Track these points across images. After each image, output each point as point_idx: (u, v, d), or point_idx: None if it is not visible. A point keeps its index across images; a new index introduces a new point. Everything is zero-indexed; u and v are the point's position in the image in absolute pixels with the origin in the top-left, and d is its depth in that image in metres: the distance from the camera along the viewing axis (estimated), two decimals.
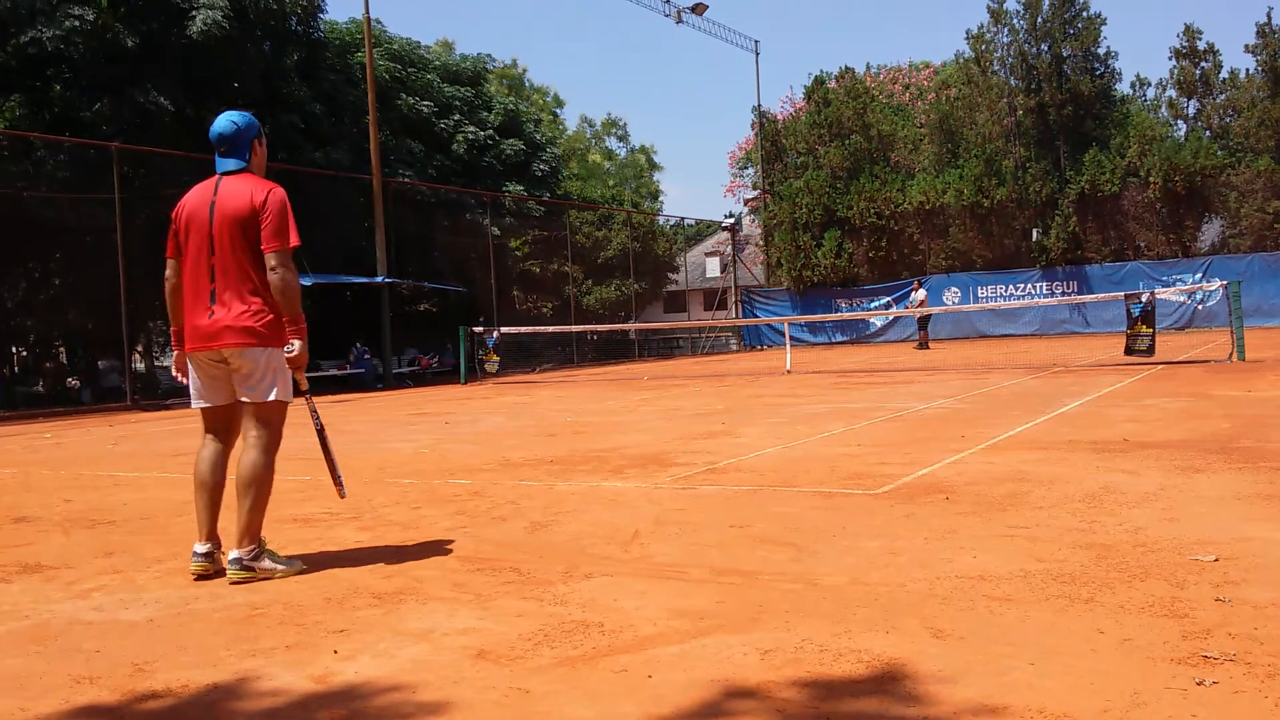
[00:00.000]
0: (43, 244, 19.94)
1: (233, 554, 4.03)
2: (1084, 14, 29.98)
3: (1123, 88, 31.66)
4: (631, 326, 30.70)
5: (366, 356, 21.88)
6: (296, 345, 4.14)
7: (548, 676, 2.75)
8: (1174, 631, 2.87)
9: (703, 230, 51.06)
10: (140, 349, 24.47)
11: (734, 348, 33.89)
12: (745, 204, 47.61)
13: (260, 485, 4.08)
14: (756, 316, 33.68)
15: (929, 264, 31.68)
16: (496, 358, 21.02)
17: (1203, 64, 30.18)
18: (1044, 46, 30.10)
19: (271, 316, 4.11)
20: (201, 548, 4.13)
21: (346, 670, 2.89)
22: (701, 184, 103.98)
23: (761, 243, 37.09)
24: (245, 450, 4.14)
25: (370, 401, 16.44)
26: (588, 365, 27.66)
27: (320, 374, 21.31)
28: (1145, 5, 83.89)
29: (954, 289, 30.95)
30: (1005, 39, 30.74)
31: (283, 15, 21.72)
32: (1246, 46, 29.03)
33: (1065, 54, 29.94)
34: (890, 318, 31.10)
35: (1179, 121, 30.86)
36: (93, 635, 3.35)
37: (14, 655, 3.16)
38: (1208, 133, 29.80)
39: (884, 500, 5.07)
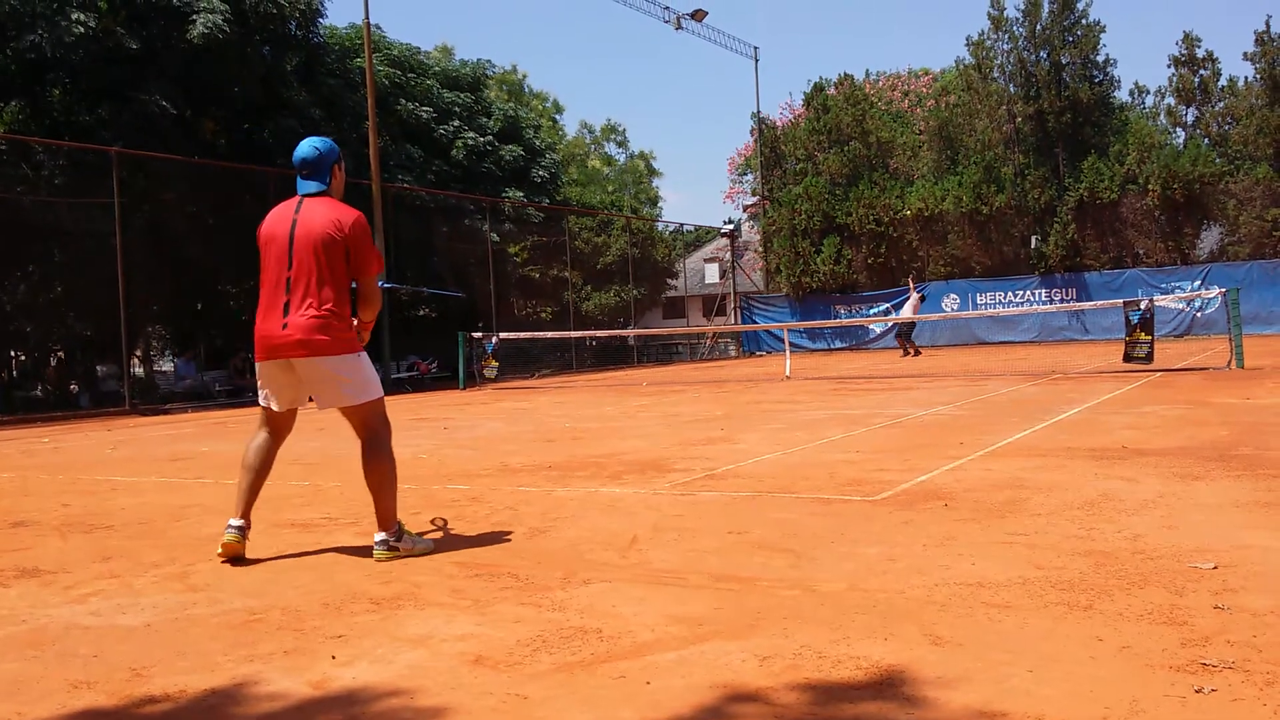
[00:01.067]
0: (41, 248, 19.93)
1: (378, 536, 4.39)
2: (1083, 21, 30.02)
3: (1122, 95, 31.79)
4: (631, 332, 30.70)
5: None
6: (366, 336, 4.61)
7: (545, 682, 2.74)
8: (1173, 639, 2.87)
9: (702, 236, 51.08)
10: (139, 354, 24.45)
11: (733, 354, 33.89)
12: (744, 210, 47.67)
13: (384, 480, 4.44)
14: (755, 323, 33.70)
15: (928, 271, 31.68)
16: (495, 363, 21.00)
17: (1201, 72, 30.24)
18: (1043, 54, 30.15)
19: (340, 327, 4.36)
20: (236, 521, 4.43)
21: (344, 676, 2.88)
22: (701, 190, 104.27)
23: (760, 249, 37.10)
24: (362, 452, 4.52)
25: None
26: (586, 371, 27.65)
27: None
28: (1144, 13, 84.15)
29: (953, 295, 30.96)
30: (1005, 46, 30.80)
31: (282, 19, 21.73)
32: (1245, 54, 29.08)
33: (1064, 61, 29.98)
34: (889, 323, 31.11)
35: (1178, 129, 30.93)
36: (90, 640, 3.34)
37: (11, 660, 3.16)
38: (1206, 140, 29.85)
39: (882, 507, 5.07)
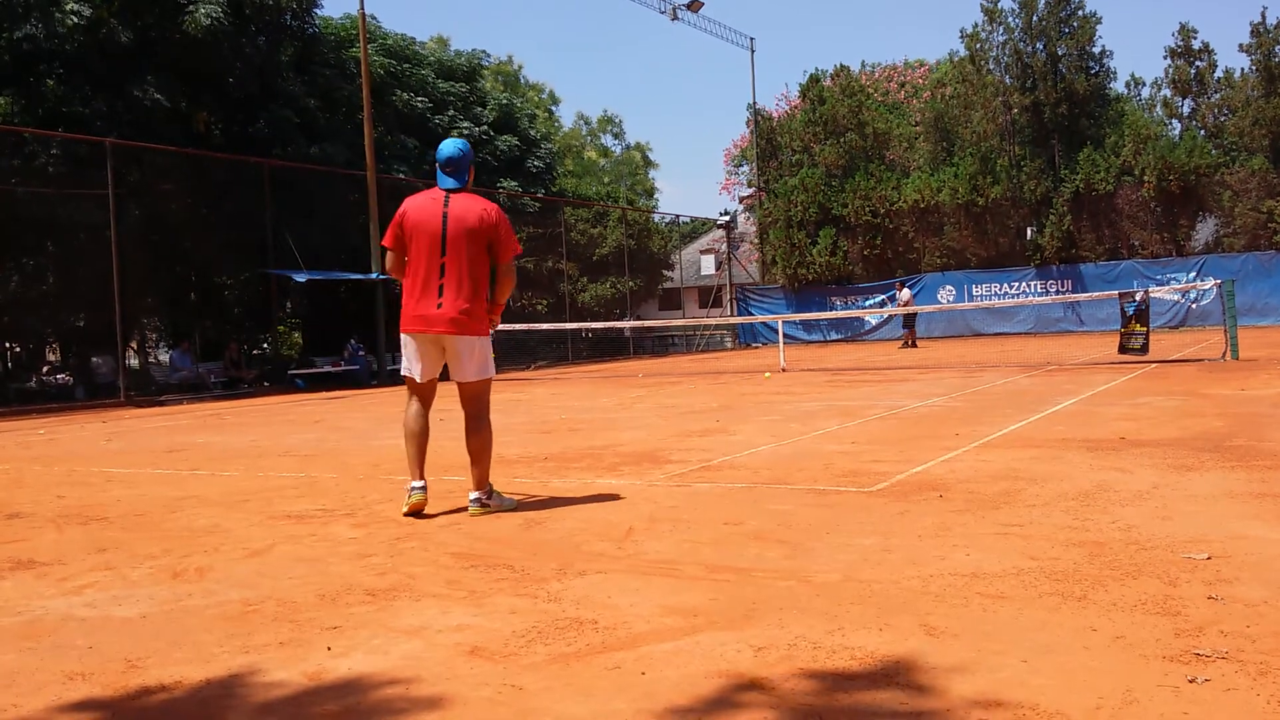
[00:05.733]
0: (36, 239, 19.87)
1: (472, 495, 5.12)
2: (1079, 13, 30.02)
3: (1118, 87, 31.79)
4: (627, 324, 30.68)
5: (361, 353, 21.85)
6: (498, 319, 5.29)
7: (541, 673, 2.75)
8: (1166, 629, 2.88)
9: (698, 228, 51.06)
10: (134, 345, 24.41)
11: (729, 345, 33.88)
12: (740, 201, 47.59)
13: (484, 447, 5.12)
14: (751, 314, 33.69)
15: (924, 262, 31.70)
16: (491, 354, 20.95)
17: (1197, 63, 30.23)
18: (1039, 45, 30.15)
19: (481, 311, 5.07)
20: (418, 484, 5.11)
21: (340, 667, 2.88)
22: (697, 181, 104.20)
23: (756, 240, 37.09)
24: (467, 423, 5.15)
25: (365, 398, 16.43)
26: (582, 363, 27.64)
27: (314, 370, 21.27)
28: (1140, 4, 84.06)
29: (949, 287, 30.99)
30: (1000, 38, 30.77)
31: (278, 10, 21.65)
32: (1241, 46, 29.08)
33: (1060, 53, 29.98)
34: (884, 315, 31.15)
35: (1173, 120, 30.94)
36: (85, 631, 3.34)
37: (6, 651, 3.16)
38: (1202, 132, 29.86)
39: (878, 498, 5.07)
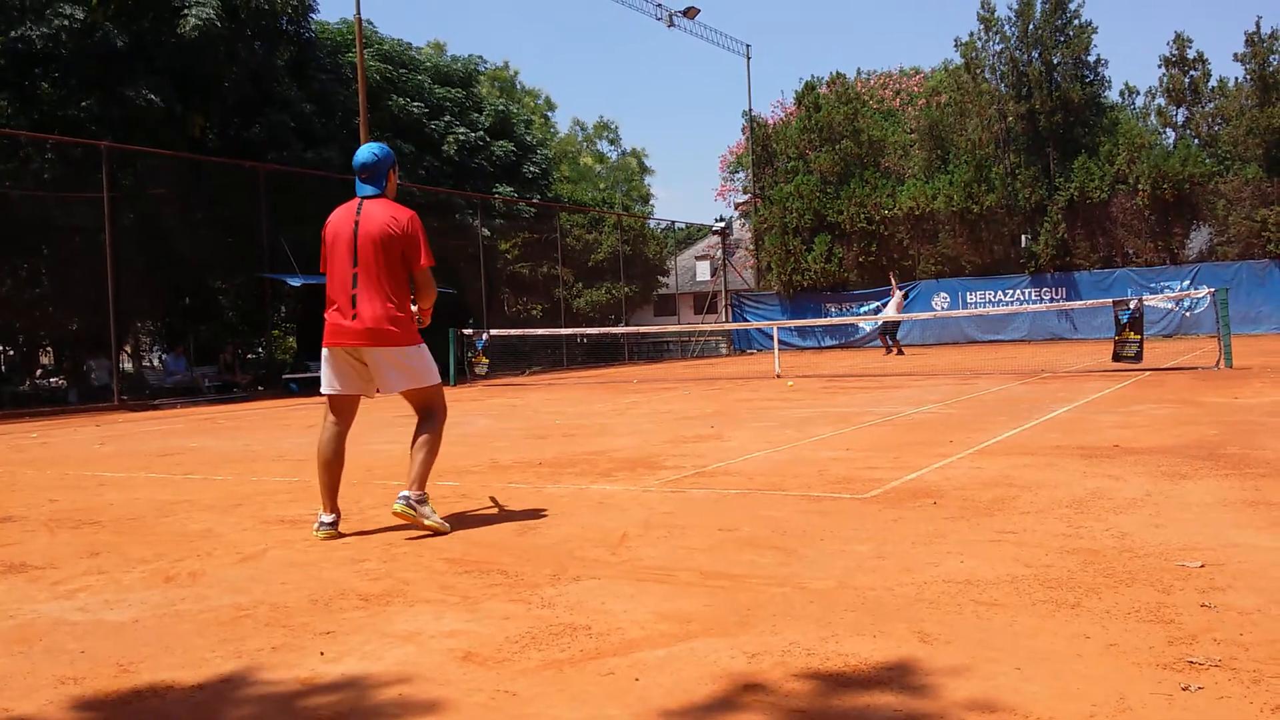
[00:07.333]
0: (30, 242, 19.83)
1: (403, 493, 4.72)
2: (1075, 22, 30.08)
3: (1112, 95, 31.83)
4: (622, 330, 30.67)
5: None
6: (426, 320, 4.99)
7: (534, 679, 2.74)
8: (1160, 637, 2.88)
9: (693, 234, 51.12)
10: (128, 349, 24.35)
11: (724, 352, 33.89)
12: (736, 208, 47.64)
13: (432, 446, 4.83)
14: (746, 320, 33.70)
15: (918, 269, 31.73)
16: (486, 360, 20.97)
17: (1192, 72, 30.32)
18: (1034, 54, 30.20)
19: (404, 319, 4.80)
20: (327, 518, 4.82)
21: (333, 672, 2.88)
22: (692, 187, 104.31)
23: (752, 247, 37.11)
24: (419, 423, 4.89)
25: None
26: (577, 368, 27.62)
27: (309, 375, 21.24)
28: (1135, 14, 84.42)
29: (943, 294, 31.02)
30: (996, 46, 30.84)
31: (273, 14, 21.66)
32: (1235, 55, 29.15)
33: (1056, 61, 30.03)
34: (879, 322, 31.17)
35: (1168, 129, 31.00)
36: (77, 635, 3.33)
37: None
38: (1196, 141, 29.93)
39: (872, 504, 5.08)
